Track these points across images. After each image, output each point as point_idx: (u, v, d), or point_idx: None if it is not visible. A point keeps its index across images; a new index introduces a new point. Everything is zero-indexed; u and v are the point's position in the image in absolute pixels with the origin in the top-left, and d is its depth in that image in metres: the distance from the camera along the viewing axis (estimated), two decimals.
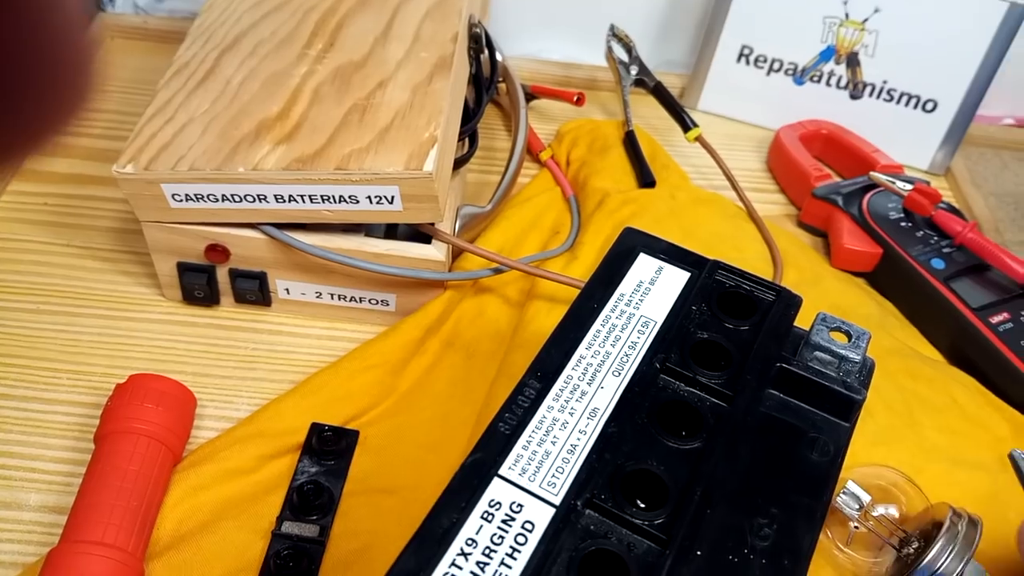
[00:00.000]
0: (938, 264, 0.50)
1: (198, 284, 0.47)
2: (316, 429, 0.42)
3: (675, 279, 0.33)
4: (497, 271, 0.47)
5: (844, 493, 0.39)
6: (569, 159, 0.59)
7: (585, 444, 0.27)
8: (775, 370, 0.30)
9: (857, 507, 0.39)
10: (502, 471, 0.27)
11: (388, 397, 0.45)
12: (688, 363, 0.30)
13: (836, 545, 0.40)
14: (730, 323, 0.32)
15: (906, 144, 0.62)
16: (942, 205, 0.53)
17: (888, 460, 0.41)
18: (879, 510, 0.38)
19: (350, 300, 0.47)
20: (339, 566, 0.38)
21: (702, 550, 0.26)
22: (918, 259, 0.50)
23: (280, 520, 0.39)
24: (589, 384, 0.29)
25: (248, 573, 0.38)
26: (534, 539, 0.25)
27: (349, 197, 0.41)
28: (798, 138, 0.61)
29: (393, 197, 0.41)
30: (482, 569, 0.24)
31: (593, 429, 0.28)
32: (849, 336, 0.31)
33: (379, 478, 0.42)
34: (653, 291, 0.33)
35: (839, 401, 0.30)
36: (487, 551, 0.25)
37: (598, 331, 0.31)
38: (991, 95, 0.61)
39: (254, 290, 0.47)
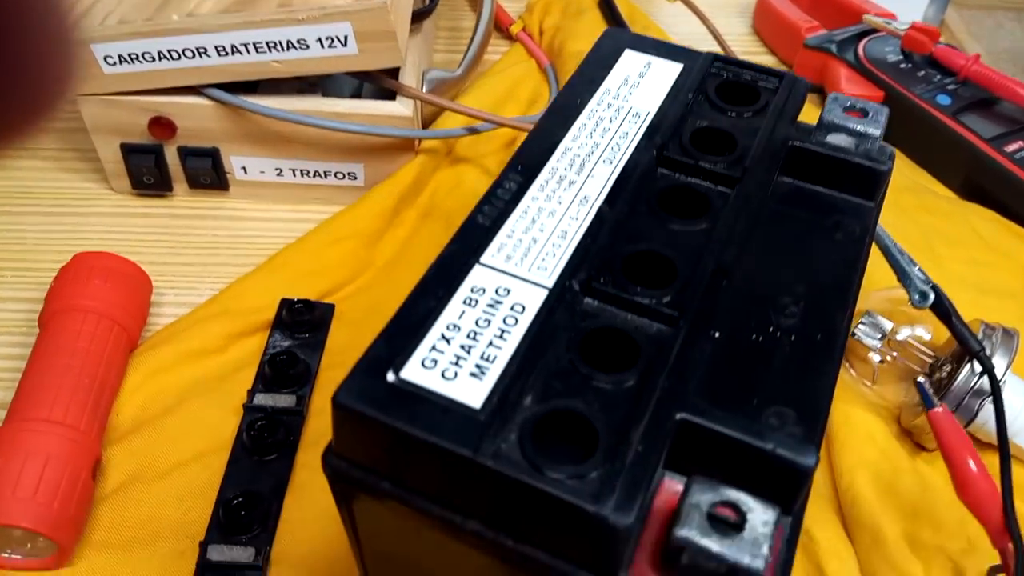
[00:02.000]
0: (944, 100, 0.47)
1: (146, 167, 0.43)
2: (286, 303, 0.38)
3: (666, 72, 0.30)
4: (472, 131, 0.44)
5: (863, 323, 0.36)
6: (542, 28, 0.55)
7: (578, 229, 0.24)
8: (787, 150, 0.27)
9: (879, 336, 0.36)
10: (483, 259, 0.23)
11: (365, 271, 0.41)
12: (688, 150, 0.26)
13: (862, 383, 0.37)
14: (732, 111, 0.28)
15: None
16: (940, 43, 0.49)
17: None
18: (904, 333, 0.35)
19: (314, 175, 0.43)
20: (322, 439, 0.35)
21: (720, 331, 0.22)
22: (923, 97, 0.47)
23: (252, 393, 0.35)
24: (578, 174, 0.26)
25: (220, 453, 0.34)
26: (525, 320, 0.22)
27: (298, 42, 0.37)
28: None
29: (346, 38, 0.37)
30: (467, 351, 0.21)
31: (586, 214, 0.24)
32: (865, 113, 0.28)
33: (359, 350, 0.38)
34: (643, 84, 0.29)
35: (862, 175, 0.26)
36: (472, 334, 0.21)
37: (584, 124, 0.27)
38: None
39: (207, 170, 0.43)
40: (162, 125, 0.41)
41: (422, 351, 0.21)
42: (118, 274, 0.37)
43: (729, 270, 0.23)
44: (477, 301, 0.22)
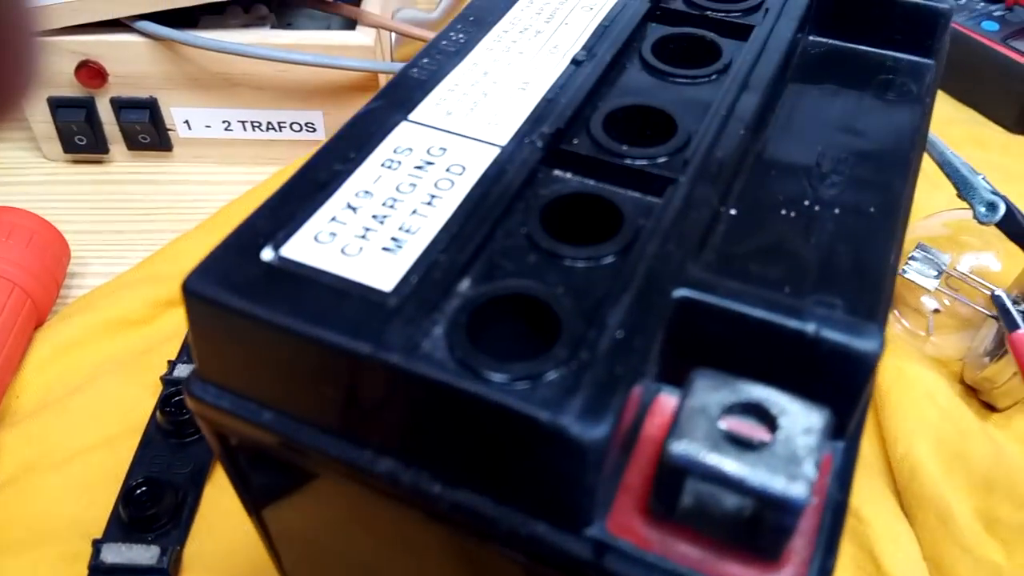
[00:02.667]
0: (991, 27, 0.41)
1: (76, 124, 0.37)
2: None
3: None
4: None
5: (914, 258, 0.29)
6: None
7: (544, 80, 0.18)
8: None
9: (935, 273, 0.29)
10: (413, 116, 0.17)
11: None
12: None
13: (916, 333, 0.30)
14: None
15: None
16: None
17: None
18: (966, 263, 0.28)
19: (267, 128, 0.38)
20: None
21: (737, 207, 0.16)
22: (966, 25, 0.41)
23: (173, 364, 0.29)
24: (547, 22, 0.20)
25: (134, 434, 0.28)
26: (465, 183, 0.15)
27: None
28: None
29: None
30: (381, 222, 0.15)
31: (556, 64, 0.18)
32: None
33: None
34: None
35: (916, 19, 0.20)
36: (389, 202, 0.15)
37: None
38: None
39: (146, 125, 0.37)
40: (91, 71, 0.36)
41: (317, 223, 0.15)
42: (24, 231, 0.31)
43: (753, 127, 0.17)
44: (400, 163, 0.16)
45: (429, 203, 0.15)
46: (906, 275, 0.29)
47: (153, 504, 0.25)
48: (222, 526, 0.26)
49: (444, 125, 0.17)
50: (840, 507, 0.13)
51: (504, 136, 0.16)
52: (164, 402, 0.28)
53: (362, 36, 0.35)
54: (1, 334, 0.29)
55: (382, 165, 0.16)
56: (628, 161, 0.16)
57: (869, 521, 0.25)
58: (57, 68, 0.36)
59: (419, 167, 0.16)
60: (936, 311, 0.30)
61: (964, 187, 0.25)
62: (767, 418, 0.12)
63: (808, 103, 0.19)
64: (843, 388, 0.13)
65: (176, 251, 0.34)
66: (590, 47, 0.19)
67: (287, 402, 0.14)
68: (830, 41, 0.21)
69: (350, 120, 0.17)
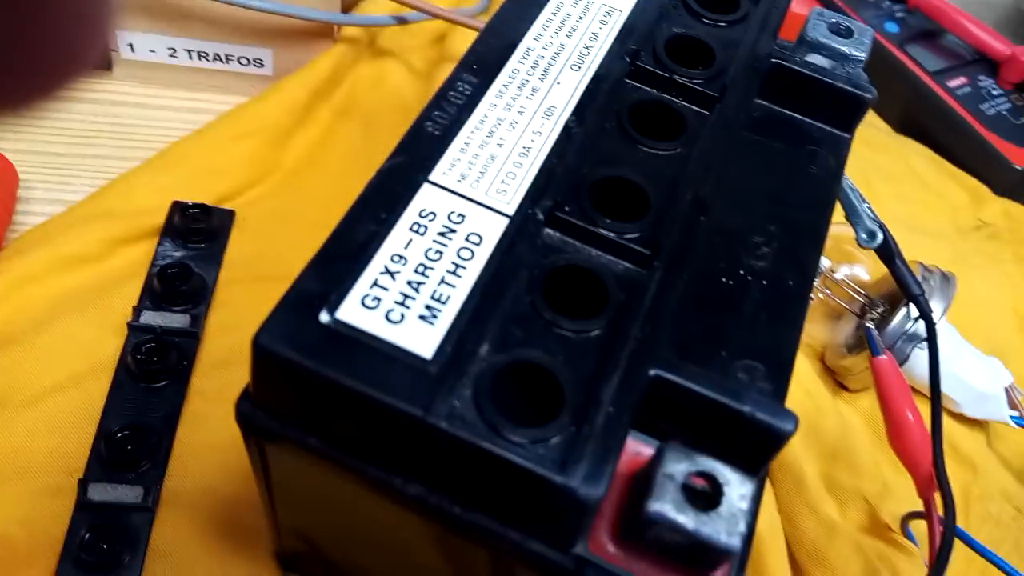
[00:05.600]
0: (892, 28, 0.45)
1: None
2: (179, 207, 0.34)
3: None
4: (401, 20, 0.39)
5: None
6: None
7: (542, 146, 0.21)
8: (768, 66, 0.24)
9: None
10: (433, 176, 0.20)
11: (271, 174, 0.37)
12: (663, 61, 0.23)
13: None
14: (709, 19, 0.25)
15: None
16: None
17: None
18: (843, 271, 0.34)
19: (214, 59, 0.38)
20: (219, 364, 0.31)
21: (690, 272, 0.20)
22: (871, 23, 0.45)
23: (138, 310, 0.31)
24: (541, 79, 0.22)
25: (102, 374, 0.30)
26: (483, 253, 0.19)
27: None
28: None
29: None
30: (416, 289, 0.18)
31: (551, 129, 0.21)
32: (850, 33, 0.25)
33: (263, 264, 0.34)
34: None
35: (844, 102, 0.24)
36: (421, 269, 0.18)
37: (548, 20, 0.24)
38: None
39: None
40: None
41: (362, 287, 0.17)
42: None
43: (706, 204, 0.21)
44: (427, 228, 0.19)
45: (454, 272, 0.18)
46: None
47: (134, 446, 0.28)
48: (196, 466, 0.29)
49: (460, 189, 0.19)
50: (752, 528, 0.18)
51: (511, 206, 0.19)
52: (136, 349, 0.30)
53: None
54: None
55: (410, 229, 0.19)
56: (610, 234, 0.20)
57: None
58: None
59: (442, 233, 0.19)
60: (811, 299, 0.36)
61: (851, 213, 0.30)
62: (715, 483, 0.17)
63: (749, 169, 0.23)
64: (763, 448, 0.18)
65: (127, 186, 0.35)
66: (580, 112, 0.22)
67: (333, 433, 0.18)
68: (771, 105, 0.25)
69: (377, 176, 0.19)
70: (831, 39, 0.25)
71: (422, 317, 0.17)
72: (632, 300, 0.19)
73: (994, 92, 0.43)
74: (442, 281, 0.18)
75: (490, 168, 0.20)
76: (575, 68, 0.23)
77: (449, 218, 0.19)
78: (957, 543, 0.28)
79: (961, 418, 0.36)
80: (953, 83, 0.43)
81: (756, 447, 0.18)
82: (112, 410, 0.29)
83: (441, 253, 0.18)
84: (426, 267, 0.18)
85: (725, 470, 0.17)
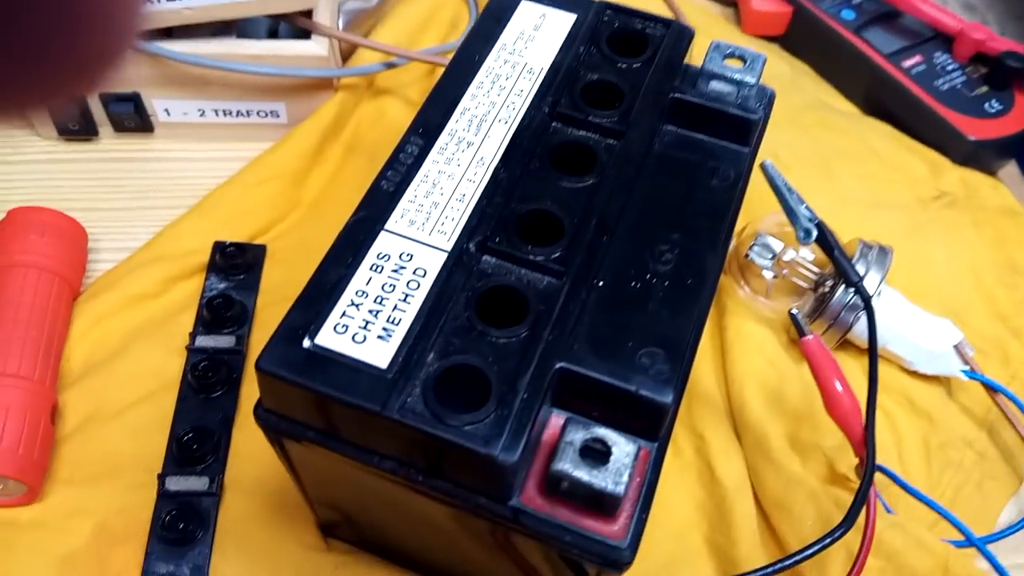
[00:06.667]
0: (848, 15, 0.49)
1: (70, 115, 0.43)
2: (218, 247, 0.40)
3: (560, 23, 0.31)
4: (390, 66, 0.44)
5: (756, 244, 0.39)
6: None
7: (475, 191, 0.26)
8: (668, 102, 0.29)
9: (770, 256, 0.39)
10: (388, 225, 0.25)
11: (294, 210, 0.43)
12: (579, 105, 0.29)
13: (757, 299, 0.40)
14: (622, 62, 0.30)
15: None
16: None
17: None
18: (790, 254, 0.38)
19: (236, 115, 0.44)
20: None
21: (603, 279, 0.25)
22: (828, 12, 0.49)
23: (193, 336, 0.38)
24: (475, 135, 0.28)
25: (169, 391, 0.37)
26: (427, 284, 0.24)
27: None
28: None
29: None
30: (375, 316, 0.23)
31: (482, 176, 0.27)
32: (744, 60, 0.30)
33: (293, 287, 0.40)
34: (538, 37, 0.31)
35: (736, 124, 0.29)
36: (379, 299, 0.24)
37: (481, 83, 0.29)
38: None
39: (131, 115, 0.43)
40: None
41: (334, 317, 0.23)
42: (54, 228, 0.38)
43: (610, 223, 0.26)
44: (383, 268, 0.24)
45: (404, 299, 0.24)
46: (748, 257, 0.39)
47: (199, 445, 0.34)
48: (250, 460, 0.35)
49: (409, 233, 0.25)
50: (653, 482, 0.23)
51: (449, 243, 0.25)
52: (194, 367, 0.36)
53: (316, 46, 0.41)
54: (51, 314, 0.36)
55: (370, 269, 0.24)
56: (531, 256, 0.25)
57: (709, 441, 0.36)
58: None
59: (395, 270, 0.24)
60: (775, 278, 0.40)
61: (790, 214, 0.34)
62: (606, 446, 0.22)
63: (658, 187, 0.28)
64: (653, 416, 0.23)
65: (175, 233, 0.41)
66: (507, 159, 0.27)
67: (323, 427, 0.23)
68: (679, 130, 0.29)
69: (344, 228, 0.25)
70: (725, 69, 0.29)
71: (380, 337, 0.23)
72: (548, 308, 0.24)
73: (949, 67, 0.46)
74: (395, 308, 0.24)
75: (432, 214, 0.26)
76: (503, 122, 0.28)
77: (400, 257, 0.25)
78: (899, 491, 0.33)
79: (917, 375, 0.40)
80: (908, 62, 0.46)
81: (647, 417, 0.23)
82: (180, 417, 0.36)
83: (394, 286, 0.24)
84: (383, 298, 0.24)
85: (614, 435, 0.22)
